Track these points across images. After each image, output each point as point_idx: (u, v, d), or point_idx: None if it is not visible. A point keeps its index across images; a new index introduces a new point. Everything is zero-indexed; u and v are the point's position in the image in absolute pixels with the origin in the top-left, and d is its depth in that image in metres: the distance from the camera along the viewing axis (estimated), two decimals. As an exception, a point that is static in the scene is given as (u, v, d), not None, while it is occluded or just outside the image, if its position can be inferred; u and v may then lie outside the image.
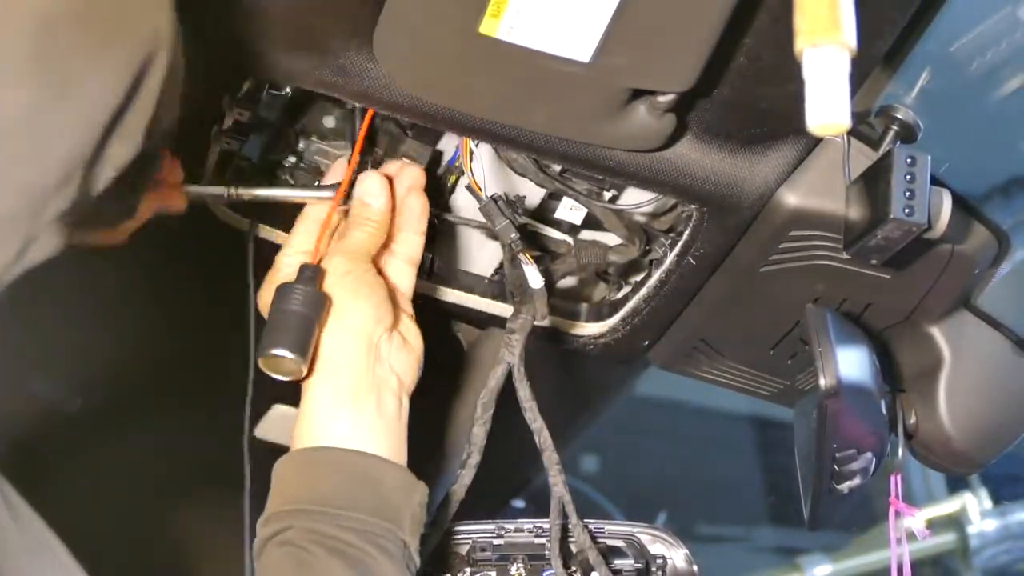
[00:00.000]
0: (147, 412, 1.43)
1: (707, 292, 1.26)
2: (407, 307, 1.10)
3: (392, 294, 1.07)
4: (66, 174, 0.68)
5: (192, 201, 1.04)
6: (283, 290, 1.02)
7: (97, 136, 0.69)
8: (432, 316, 1.38)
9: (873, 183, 1.04)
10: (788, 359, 1.34)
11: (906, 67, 1.04)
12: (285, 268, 1.05)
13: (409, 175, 1.11)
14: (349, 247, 1.06)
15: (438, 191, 1.24)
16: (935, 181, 1.06)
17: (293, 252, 1.06)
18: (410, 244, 1.11)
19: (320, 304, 1.02)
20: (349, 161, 1.09)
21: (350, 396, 1.02)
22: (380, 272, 1.08)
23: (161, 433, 1.37)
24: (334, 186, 1.08)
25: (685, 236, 1.19)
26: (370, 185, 1.08)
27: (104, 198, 0.72)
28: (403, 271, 1.11)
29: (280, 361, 1.00)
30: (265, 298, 1.05)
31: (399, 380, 1.05)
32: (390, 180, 1.10)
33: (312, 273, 1.03)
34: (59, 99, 0.66)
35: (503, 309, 1.27)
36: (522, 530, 1.20)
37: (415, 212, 1.11)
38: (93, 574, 0.82)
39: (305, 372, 1.02)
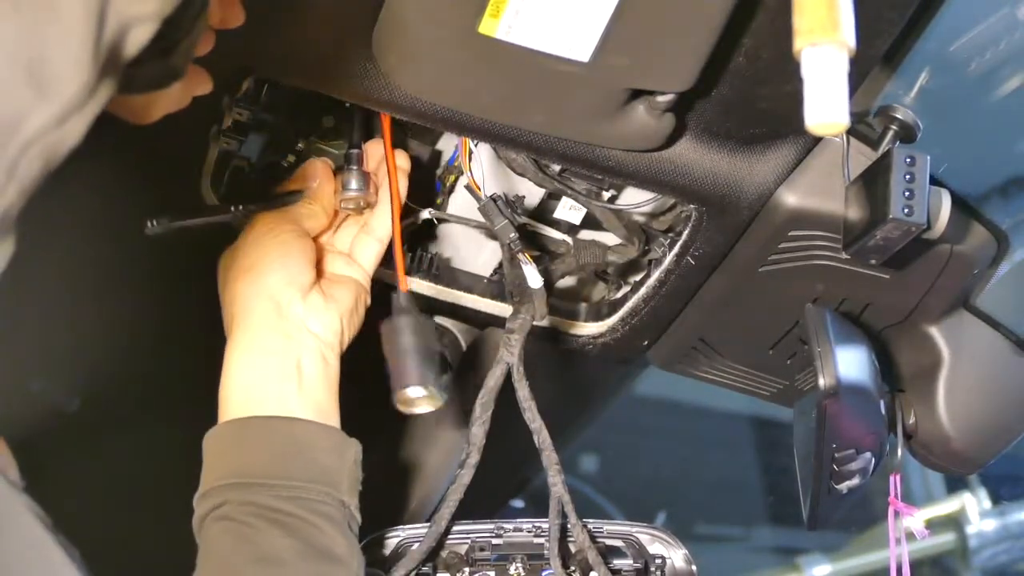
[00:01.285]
0: (146, 412, 1.43)
1: (706, 292, 1.26)
2: (360, 277, 1.12)
3: (320, 257, 1.09)
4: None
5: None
6: (390, 326, 1.05)
7: None
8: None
9: (872, 183, 1.04)
10: (787, 359, 1.34)
11: (905, 67, 1.04)
12: (257, 229, 1.07)
13: (377, 151, 1.14)
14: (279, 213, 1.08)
15: (435, 191, 1.24)
16: (934, 181, 1.06)
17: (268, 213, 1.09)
18: (380, 222, 1.14)
19: (429, 327, 1.06)
20: (359, 165, 1.13)
21: (266, 359, 1.03)
22: (330, 247, 1.12)
23: (161, 433, 1.37)
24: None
25: (684, 236, 1.19)
26: (310, 168, 1.12)
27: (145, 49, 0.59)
28: (368, 246, 1.15)
29: (415, 401, 1.03)
30: (224, 260, 1.08)
31: (317, 338, 1.05)
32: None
33: (407, 302, 1.07)
34: None
35: (502, 309, 1.27)
36: (521, 530, 1.20)
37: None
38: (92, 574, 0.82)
39: (442, 403, 1.04)
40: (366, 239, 1.15)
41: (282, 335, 1.04)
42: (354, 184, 1.11)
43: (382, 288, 1.19)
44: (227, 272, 1.07)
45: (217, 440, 1.02)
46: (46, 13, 0.50)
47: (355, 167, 1.12)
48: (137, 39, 0.55)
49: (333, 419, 1.05)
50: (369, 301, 1.13)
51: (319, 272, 1.09)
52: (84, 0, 0.51)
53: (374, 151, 1.14)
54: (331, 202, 1.12)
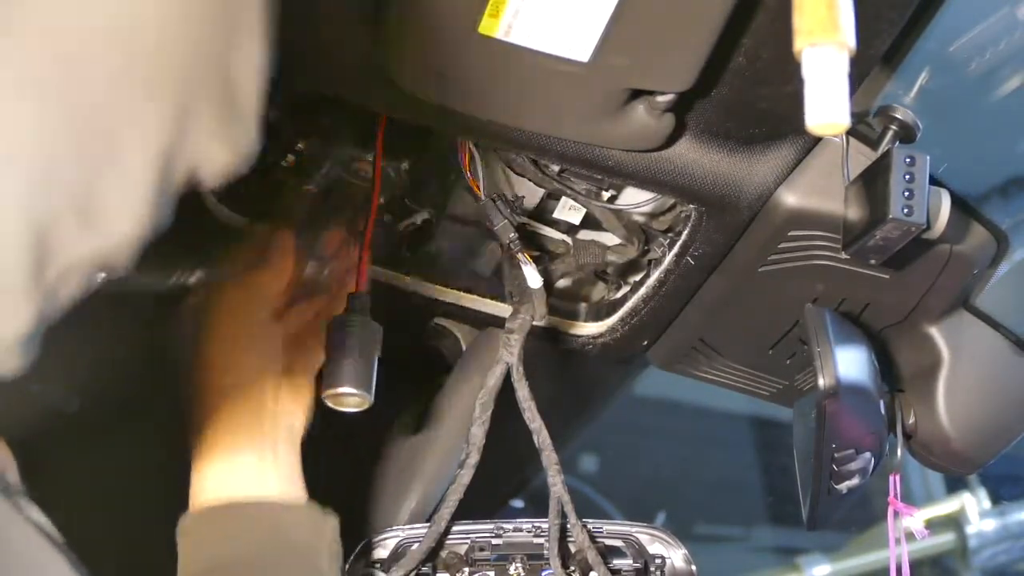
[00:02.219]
0: (144, 412, 1.42)
1: (706, 292, 1.26)
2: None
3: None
4: None
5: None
6: (337, 322, 1.07)
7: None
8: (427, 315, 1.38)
9: (872, 183, 1.04)
10: (787, 359, 1.34)
11: (905, 67, 1.04)
12: (246, 313, 1.07)
13: (346, 262, 1.14)
14: (255, 287, 1.08)
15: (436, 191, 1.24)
16: (934, 181, 1.06)
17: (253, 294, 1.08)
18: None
19: (375, 333, 1.07)
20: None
21: (246, 443, 1.04)
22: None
23: (159, 433, 1.37)
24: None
25: (684, 236, 1.19)
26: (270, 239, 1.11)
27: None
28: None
29: (345, 398, 1.04)
30: (196, 331, 1.07)
31: (289, 429, 1.07)
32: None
33: (363, 303, 1.07)
34: None
35: (502, 309, 1.27)
36: (521, 530, 1.20)
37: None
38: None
39: (369, 404, 1.05)
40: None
41: (260, 421, 1.05)
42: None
43: (381, 287, 1.19)
44: (201, 356, 1.06)
45: (199, 526, 1.02)
46: (105, 154, 0.47)
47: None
48: (207, 179, 0.53)
49: (301, 494, 1.06)
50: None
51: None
52: (149, 148, 0.49)
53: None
54: (289, 275, 1.11)
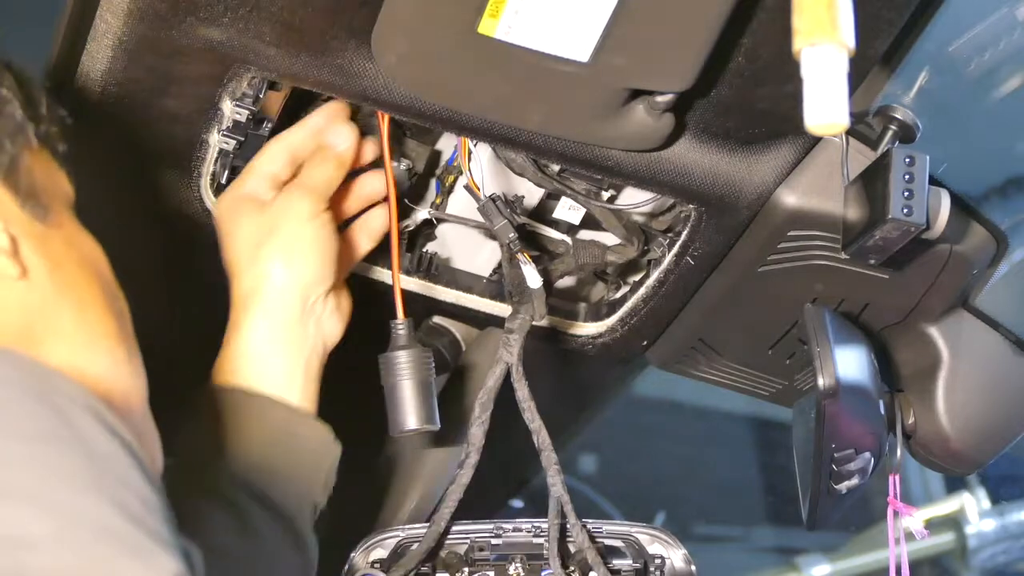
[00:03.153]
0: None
1: (705, 292, 1.26)
2: (343, 274, 1.12)
3: (339, 257, 1.09)
4: None
5: None
6: (389, 360, 1.10)
7: None
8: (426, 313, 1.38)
9: (871, 183, 1.04)
10: (786, 359, 1.34)
11: (905, 67, 1.04)
12: (249, 187, 1.07)
13: (376, 180, 1.14)
14: (313, 183, 1.07)
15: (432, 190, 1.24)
16: (933, 181, 1.06)
17: (259, 177, 1.08)
18: (362, 245, 1.14)
19: (427, 360, 1.11)
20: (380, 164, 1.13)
21: (282, 343, 1.05)
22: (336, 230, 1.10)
23: (159, 433, 1.37)
24: None
25: (683, 236, 1.19)
26: (339, 128, 1.09)
27: None
28: (361, 242, 1.14)
29: (413, 433, 1.09)
30: (220, 208, 1.08)
31: (324, 339, 1.08)
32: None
33: (407, 329, 1.11)
34: None
35: (501, 309, 1.27)
36: (520, 530, 1.20)
37: (376, 222, 1.14)
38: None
39: (437, 427, 1.11)
40: (358, 232, 1.15)
41: (300, 324, 1.05)
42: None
43: (378, 287, 1.19)
44: (256, 243, 1.05)
45: (222, 401, 1.03)
46: None
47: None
48: None
49: (313, 408, 1.07)
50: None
51: None
52: None
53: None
54: (348, 164, 1.10)
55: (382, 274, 1.22)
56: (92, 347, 0.77)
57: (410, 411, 1.09)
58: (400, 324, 1.12)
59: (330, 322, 1.09)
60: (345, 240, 1.12)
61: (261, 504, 0.99)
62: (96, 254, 0.83)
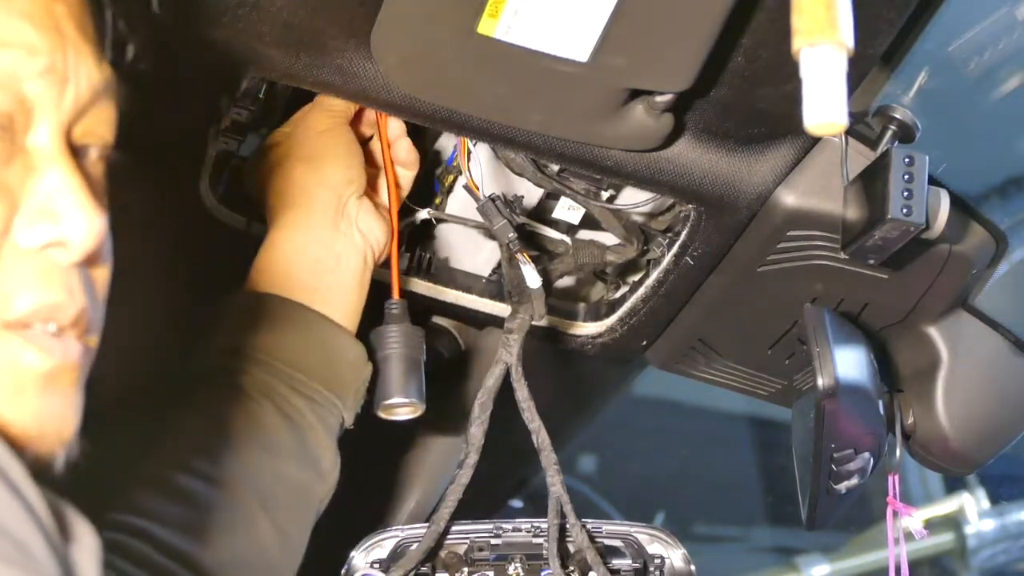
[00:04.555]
0: (148, 411, 1.42)
1: (705, 292, 1.26)
2: (388, 199, 1.12)
3: (366, 166, 1.09)
4: None
5: None
6: (379, 334, 1.08)
7: None
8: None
9: (871, 183, 1.04)
10: (786, 359, 1.34)
11: (904, 67, 1.04)
12: (320, 125, 1.07)
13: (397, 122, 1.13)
14: (327, 104, 1.08)
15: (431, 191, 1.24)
16: (933, 181, 1.06)
17: (325, 111, 1.08)
18: (402, 148, 1.13)
19: (418, 338, 1.09)
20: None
21: (315, 242, 1.05)
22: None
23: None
24: None
25: (683, 236, 1.19)
26: None
27: None
28: (401, 174, 1.13)
29: (397, 408, 1.07)
30: (276, 150, 1.07)
31: (365, 239, 1.07)
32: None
33: (400, 309, 1.10)
34: None
35: (501, 309, 1.27)
36: (520, 530, 1.20)
37: (411, 154, 1.13)
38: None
39: (422, 411, 1.08)
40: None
41: (332, 226, 1.05)
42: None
43: (374, 286, 1.19)
44: (280, 161, 1.06)
45: (253, 306, 1.03)
46: None
47: None
48: None
49: (355, 321, 1.07)
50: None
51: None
52: None
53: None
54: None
55: (382, 274, 1.22)
56: None
57: (395, 385, 1.08)
58: (394, 304, 1.11)
59: (370, 222, 1.08)
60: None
61: (303, 400, 0.99)
62: None
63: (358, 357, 1.05)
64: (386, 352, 1.08)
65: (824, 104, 0.64)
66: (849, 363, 1.16)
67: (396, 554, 1.17)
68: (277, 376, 1.00)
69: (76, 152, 0.67)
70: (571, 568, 1.19)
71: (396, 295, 1.11)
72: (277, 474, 0.98)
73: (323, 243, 1.05)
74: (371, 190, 1.11)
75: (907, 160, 1.00)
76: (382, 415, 1.09)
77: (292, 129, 1.08)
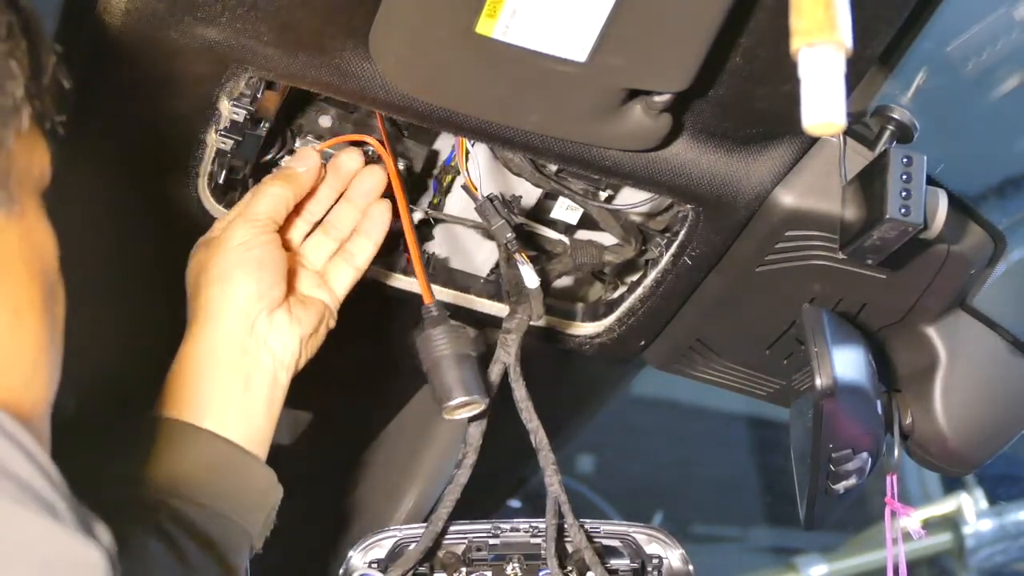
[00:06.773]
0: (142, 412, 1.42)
1: (703, 292, 1.26)
2: (329, 301, 1.10)
3: (292, 273, 1.07)
4: None
5: None
6: (424, 340, 1.08)
7: None
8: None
9: (869, 183, 1.04)
10: (784, 359, 1.34)
11: (902, 67, 1.04)
12: (236, 239, 1.05)
13: (371, 178, 1.11)
14: (250, 214, 1.06)
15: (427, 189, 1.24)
16: (931, 181, 1.06)
17: (247, 222, 1.06)
18: (361, 249, 1.12)
19: (464, 335, 1.09)
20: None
21: (218, 368, 1.03)
22: (296, 251, 1.10)
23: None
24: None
25: (681, 236, 1.19)
26: (300, 154, 1.10)
27: None
28: (343, 272, 1.12)
29: (460, 408, 1.07)
30: (196, 262, 1.06)
31: (274, 358, 1.05)
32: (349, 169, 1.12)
33: (438, 310, 1.09)
34: None
35: (499, 309, 1.27)
36: (518, 530, 1.20)
37: (376, 222, 1.12)
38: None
39: (486, 405, 1.08)
40: (343, 265, 1.12)
41: (239, 349, 1.03)
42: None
43: (373, 286, 1.19)
44: (198, 275, 1.06)
45: (162, 434, 1.01)
46: None
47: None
48: None
49: (266, 443, 1.05)
50: (334, 324, 1.11)
51: (289, 288, 1.07)
52: None
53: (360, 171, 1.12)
54: (304, 187, 1.10)
55: (381, 275, 1.22)
56: (17, 356, 0.73)
57: (454, 386, 1.07)
58: (431, 308, 1.10)
59: (279, 340, 1.05)
60: (345, 250, 1.11)
61: (198, 540, 0.97)
62: (47, 247, 0.78)
63: (267, 483, 1.03)
64: (436, 356, 1.08)
65: (822, 104, 0.64)
66: (847, 363, 1.16)
67: (394, 554, 1.17)
68: (193, 512, 0.98)
69: None
70: (569, 568, 1.19)
71: (428, 299, 1.10)
72: None
73: (230, 365, 1.03)
74: (291, 292, 1.08)
75: (905, 160, 1.00)
76: (447, 417, 1.09)
77: (216, 235, 1.06)
